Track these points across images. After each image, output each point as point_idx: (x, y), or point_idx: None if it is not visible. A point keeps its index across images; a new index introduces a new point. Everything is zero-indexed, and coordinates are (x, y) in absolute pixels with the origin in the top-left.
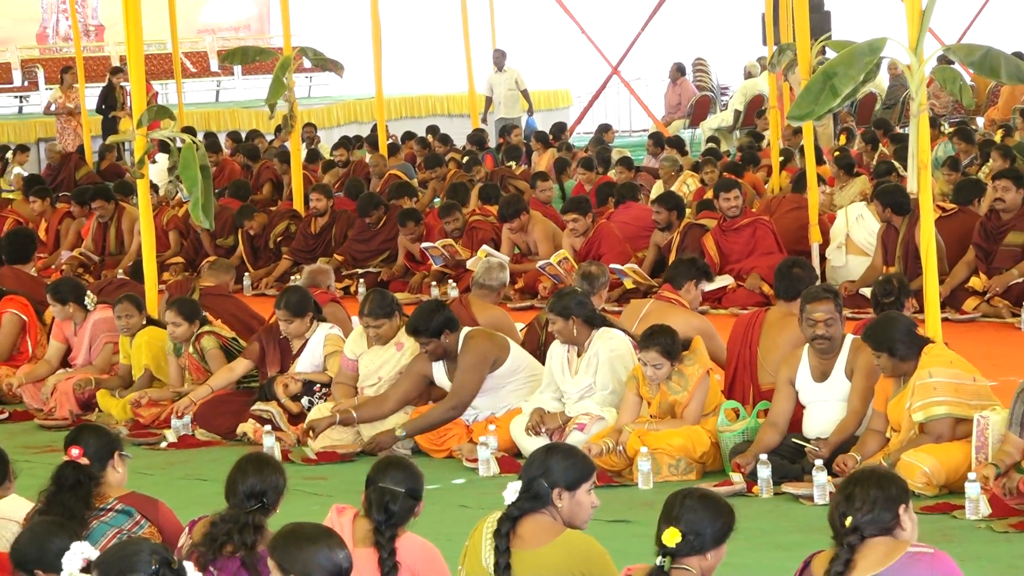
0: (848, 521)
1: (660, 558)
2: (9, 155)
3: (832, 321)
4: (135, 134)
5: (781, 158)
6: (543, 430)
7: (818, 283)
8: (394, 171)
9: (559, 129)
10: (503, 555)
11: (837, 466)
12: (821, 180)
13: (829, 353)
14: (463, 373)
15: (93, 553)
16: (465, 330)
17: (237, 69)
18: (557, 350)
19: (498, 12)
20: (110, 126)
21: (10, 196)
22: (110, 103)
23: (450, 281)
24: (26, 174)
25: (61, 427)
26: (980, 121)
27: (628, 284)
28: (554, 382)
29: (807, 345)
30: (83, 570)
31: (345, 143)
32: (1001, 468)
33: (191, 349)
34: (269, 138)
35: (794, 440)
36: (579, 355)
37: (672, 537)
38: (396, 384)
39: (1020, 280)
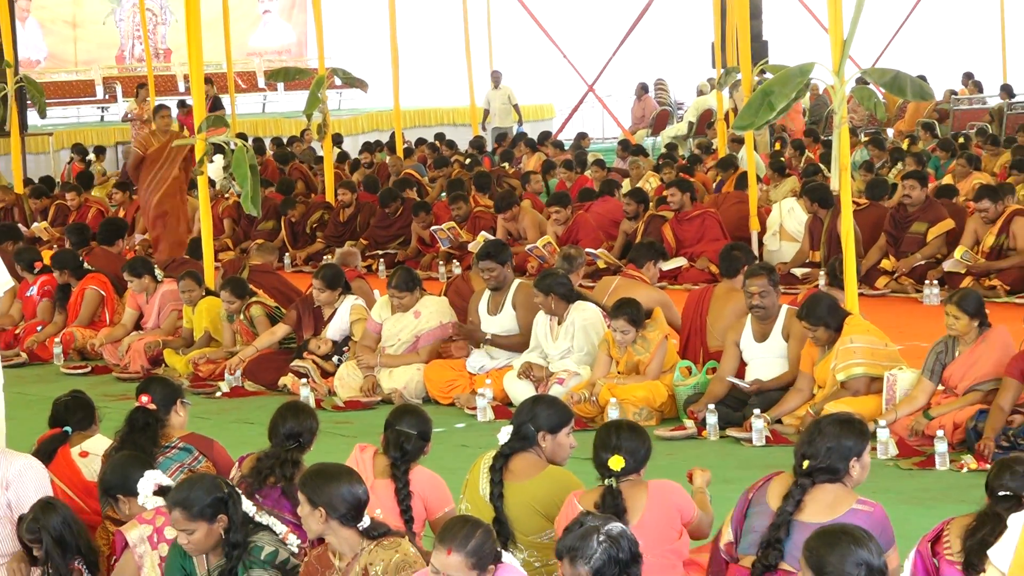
0: (805, 464)
1: (606, 480)
2: (92, 156)
3: (766, 293)
4: (196, 139)
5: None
6: (531, 376)
7: (757, 263)
8: (408, 170)
9: (544, 136)
10: (497, 486)
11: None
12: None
13: (766, 319)
14: (530, 316)
15: (164, 480)
16: (518, 280)
17: (280, 86)
18: (541, 318)
19: (494, 38)
20: None
21: (97, 191)
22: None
23: (454, 260)
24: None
25: (133, 379)
26: (890, 132)
27: (600, 264)
28: (540, 345)
29: (750, 313)
30: (155, 493)
31: (368, 147)
32: (902, 413)
33: (241, 316)
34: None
35: (730, 380)
36: (559, 323)
37: (617, 463)
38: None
39: (922, 262)
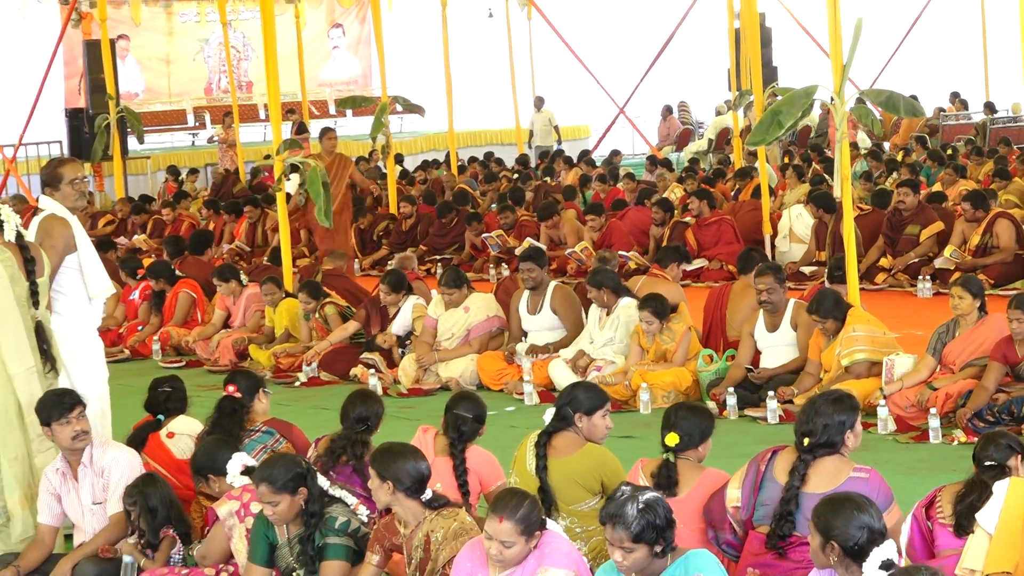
0: (806, 442)
1: (665, 454)
2: (184, 176)
3: (773, 289)
4: (275, 160)
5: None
6: (578, 365)
7: (765, 263)
8: (462, 185)
9: (583, 155)
10: (541, 460)
11: (779, 393)
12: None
13: (774, 312)
14: (576, 315)
15: (250, 461)
16: (554, 282)
17: (348, 112)
18: (594, 309)
19: (537, 67)
20: None
21: (190, 206)
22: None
23: (503, 264)
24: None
25: (222, 371)
26: (886, 145)
27: (632, 265)
28: (588, 332)
29: (760, 306)
30: (242, 473)
31: (425, 165)
32: (907, 383)
33: (317, 315)
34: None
35: (746, 368)
36: (608, 314)
37: (672, 439)
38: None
39: (916, 260)
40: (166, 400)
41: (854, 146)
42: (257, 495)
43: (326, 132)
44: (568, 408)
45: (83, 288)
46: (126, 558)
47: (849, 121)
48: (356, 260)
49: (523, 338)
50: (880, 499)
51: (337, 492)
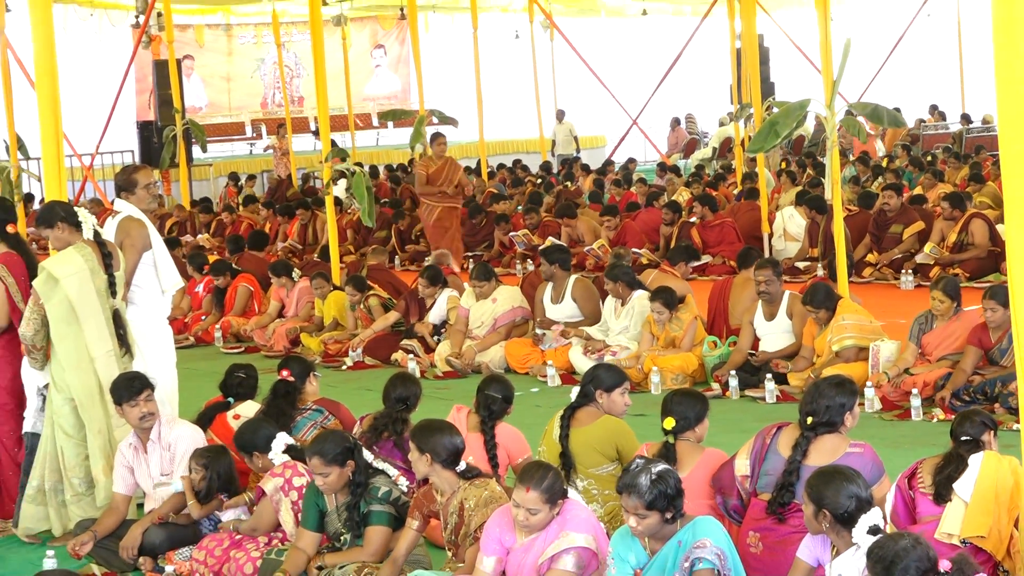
0: (809, 420)
1: (666, 437)
2: (243, 181)
3: (771, 281)
4: (324, 167)
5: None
6: (590, 349)
7: (764, 258)
8: (491, 189)
9: (606, 163)
10: (564, 429)
11: (774, 364)
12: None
13: (771, 302)
14: (593, 304)
15: (290, 440)
16: (575, 276)
17: (390, 124)
18: (610, 300)
19: (559, 83)
20: None
21: (245, 208)
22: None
23: (528, 260)
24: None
25: (277, 357)
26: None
27: (644, 260)
28: (605, 321)
29: (759, 297)
30: (284, 451)
31: None
32: (892, 373)
33: (362, 306)
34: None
35: (747, 353)
36: (623, 304)
37: (669, 423)
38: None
39: (899, 256)
40: (238, 385)
41: (865, 154)
42: (310, 467)
43: (436, 137)
44: (591, 386)
45: (157, 282)
46: (168, 567)
47: (871, 132)
48: (396, 256)
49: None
50: (873, 471)
51: (380, 465)
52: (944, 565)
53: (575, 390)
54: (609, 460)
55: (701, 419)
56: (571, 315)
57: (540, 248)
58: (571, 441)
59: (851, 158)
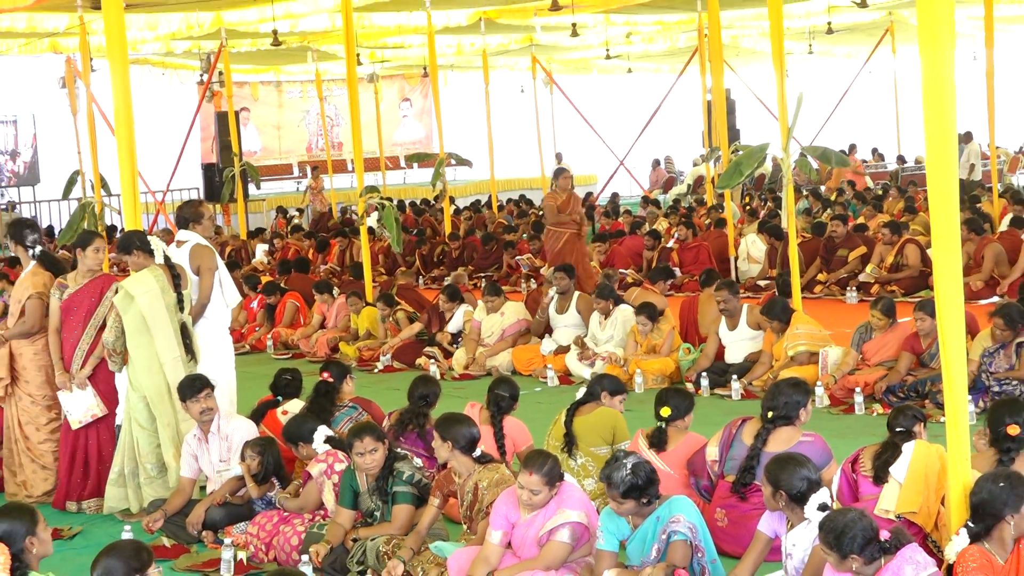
0: (770, 414)
1: (659, 423)
2: (294, 212)
3: (727, 300)
4: (359, 201)
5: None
6: (582, 354)
7: (723, 280)
8: (500, 220)
9: (586, 195)
10: (570, 416)
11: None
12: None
13: (732, 316)
14: (588, 316)
15: (330, 432)
16: (577, 292)
17: (415, 165)
18: (595, 315)
19: (557, 129)
20: None
21: (292, 236)
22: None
23: (532, 280)
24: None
25: (319, 361)
26: (822, 188)
27: (629, 279)
28: (593, 333)
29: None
30: (325, 442)
31: (474, 205)
32: (837, 375)
33: (391, 319)
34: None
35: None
36: (607, 317)
37: (666, 411)
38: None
39: (845, 275)
40: (286, 385)
41: (798, 189)
42: (362, 445)
43: (561, 172)
44: (598, 387)
45: (222, 298)
46: (226, 553)
47: (856, 171)
48: (421, 276)
49: (548, 334)
50: (822, 457)
51: (405, 452)
52: (884, 535)
53: (582, 389)
54: (605, 443)
55: (689, 411)
56: (575, 324)
57: (556, 267)
58: (575, 425)
59: (804, 192)
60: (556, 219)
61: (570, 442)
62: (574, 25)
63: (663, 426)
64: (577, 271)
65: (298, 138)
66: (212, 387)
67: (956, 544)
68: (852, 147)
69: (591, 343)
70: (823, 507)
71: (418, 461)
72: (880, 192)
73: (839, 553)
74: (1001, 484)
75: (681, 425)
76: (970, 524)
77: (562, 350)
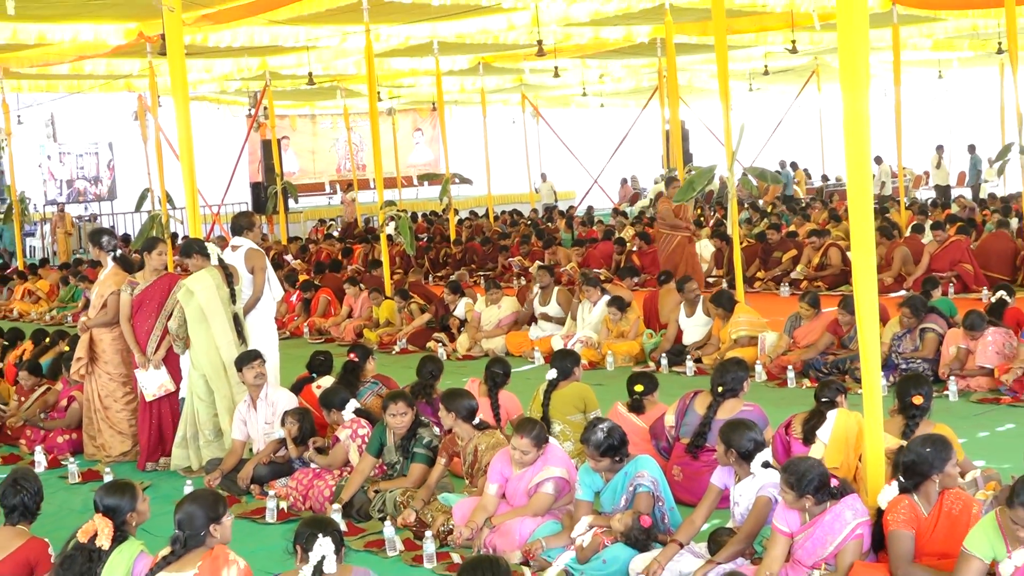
0: (720, 389)
1: (634, 396)
2: (331, 222)
3: (693, 289)
4: (380, 213)
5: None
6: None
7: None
8: (496, 228)
9: (568, 207)
10: (549, 390)
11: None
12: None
13: (692, 304)
14: (571, 306)
15: (357, 404)
16: (557, 287)
17: (426, 183)
18: (585, 303)
19: (543, 152)
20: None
21: (324, 242)
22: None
23: (522, 278)
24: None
25: (347, 345)
26: (760, 202)
27: (602, 278)
28: (579, 317)
29: (683, 300)
30: (353, 412)
31: (473, 215)
32: (772, 356)
33: (406, 309)
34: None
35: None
36: (594, 305)
37: (639, 388)
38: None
39: (779, 273)
40: (320, 365)
41: (740, 202)
42: (395, 409)
43: (672, 180)
44: (567, 364)
45: (270, 292)
46: (270, 503)
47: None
48: (429, 275)
49: (534, 322)
50: (761, 423)
51: (427, 421)
52: (834, 483)
53: (552, 371)
54: (578, 411)
55: (655, 389)
56: (556, 312)
57: (539, 266)
58: (552, 398)
59: (746, 205)
60: (672, 223)
61: (546, 414)
62: (556, 68)
63: (639, 399)
64: (687, 271)
65: (329, 161)
66: (263, 359)
67: (887, 493)
68: (794, 164)
69: (580, 324)
70: (766, 464)
71: (436, 429)
72: (807, 204)
73: (797, 492)
74: (928, 449)
75: (651, 400)
76: (901, 479)
77: (545, 336)
